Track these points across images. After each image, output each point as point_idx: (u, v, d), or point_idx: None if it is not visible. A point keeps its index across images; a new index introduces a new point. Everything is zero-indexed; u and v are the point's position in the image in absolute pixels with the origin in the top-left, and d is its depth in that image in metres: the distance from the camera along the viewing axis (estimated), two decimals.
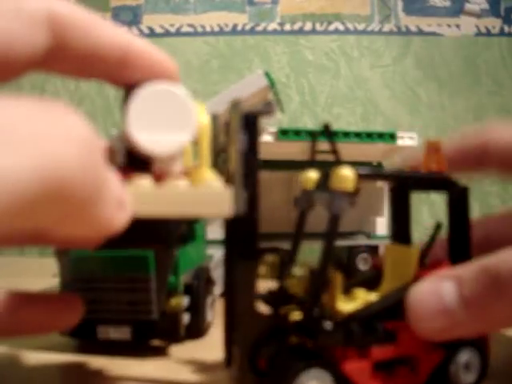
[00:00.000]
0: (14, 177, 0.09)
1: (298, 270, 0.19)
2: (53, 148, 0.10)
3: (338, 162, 0.19)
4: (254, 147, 0.18)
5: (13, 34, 0.13)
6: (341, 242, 0.50)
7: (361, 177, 0.18)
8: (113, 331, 0.25)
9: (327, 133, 0.19)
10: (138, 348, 0.26)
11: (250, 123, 0.18)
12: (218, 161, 0.19)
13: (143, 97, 0.16)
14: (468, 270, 0.18)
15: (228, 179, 0.19)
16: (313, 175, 0.21)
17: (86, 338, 0.26)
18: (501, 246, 0.24)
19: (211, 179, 0.17)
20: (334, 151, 0.19)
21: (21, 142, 0.09)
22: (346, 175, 0.18)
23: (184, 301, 0.27)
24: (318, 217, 0.21)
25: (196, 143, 0.17)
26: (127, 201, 0.14)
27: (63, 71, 0.16)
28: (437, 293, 0.18)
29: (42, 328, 0.19)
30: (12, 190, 0.09)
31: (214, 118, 0.21)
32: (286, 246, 0.23)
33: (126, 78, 0.16)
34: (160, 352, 0.26)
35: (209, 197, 0.16)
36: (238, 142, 0.18)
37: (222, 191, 0.16)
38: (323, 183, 0.20)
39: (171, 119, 0.16)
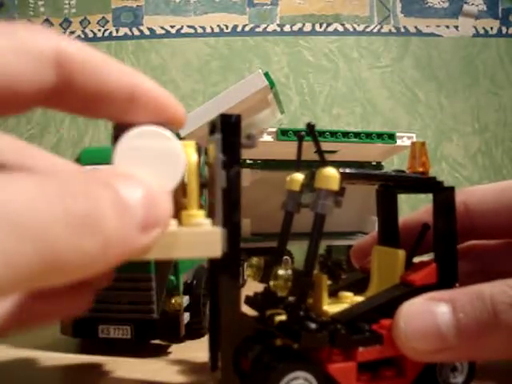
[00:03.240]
0: (15, 258, 0.10)
1: (282, 272, 0.19)
2: (48, 231, 0.11)
3: (323, 162, 0.19)
4: (234, 147, 0.18)
5: (18, 72, 0.13)
6: (340, 242, 0.50)
7: (345, 176, 0.18)
8: (113, 330, 0.26)
9: (311, 133, 0.19)
10: (139, 347, 0.27)
11: (230, 123, 0.18)
12: (203, 194, 0.19)
13: (131, 138, 0.15)
14: (463, 294, 0.18)
15: (210, 213, 0.18)
16: (298, 177, 0.21)
17: (87, 337, 0.27)
18: (480, 216, 0.24)
19: (201, 221, 0.16)
20: (319, 151, 0.19)
21: (22, 229, 0.11)
22: (330, 175, 0.18)
23: (184, 300, 0.27)
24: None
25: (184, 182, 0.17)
26: (160, 216, 0.14)
27: (69, 109, 0.16)
28: (431, 314, 0.18)
29: (52, 317, 0.19)
30: (14, 270, 0.10)
31: (199, 150, 0.20)
32: (288, 246, 0.23)
33: (131, 118, 0.16)
34: (160, 351, 0.27)
35: (200, 240, 0.16)
36: (219, 179, 0.17)
37: (212, 234, 0.16)
38: (309, 184, 0.20)
39: (159, 162, 0.15)
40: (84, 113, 0.16)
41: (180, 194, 0.17)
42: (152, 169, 0.15)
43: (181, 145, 0.16)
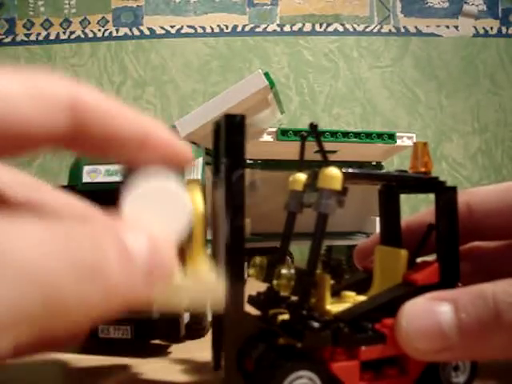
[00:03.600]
0: (17, 306, 0.11)
1: (285, 271, 0.19)
2: (53, 279, 0.11)
3: (326, 162, 0.19)
4: (239, 147, 0.18)
5: (32, 116, 0.14)
6: (340, 242, 0.50)
7: (348, 176, 0.18)
8: (113, 330, 0.26)
9: (314, 133, 0.19)
10: (139, 347, 0.27)
11: (235, 123, 0.18)
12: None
13: (138, 193, 0.16)
14: (465, 293, 0.18)
15: (213, 251, 0.19)
16: (301, 176, 0.21)
17: (87, 337, 0.27)
18: (483, 217, 0.24)
19: (205, 271, 0.17)
20: (322, 151, 0.19)
21: (24, 274, 0.11)
22: (333, 174, 0.18)
23: None
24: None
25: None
26: (165, 267, 0.14)
27: (80, 152, 0.17)
28: (433, 313, 0.18)
29: (45, 350, 0.19)
30: (16, 317, 0.11)
31: (203, 186, 0.20)
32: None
33: (141, 161, 0.17)
34: (160, 351, 0.27)
35: (203, 291, 0.16)
36: (222, 234, 0.18)
37: (216, 286, 0.16)
38: (311, 184, 0.20)
39: (166, 211, 0.16)
40: (94, 155, 0.17)
41: (186, 239, 0.17)
42: (159, 218, 0.15)
43: (187, 193, 0.16)
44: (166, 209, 0.16)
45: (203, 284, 0.16)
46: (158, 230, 0.14)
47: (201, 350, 0.26)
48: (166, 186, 0.16)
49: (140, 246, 0.13)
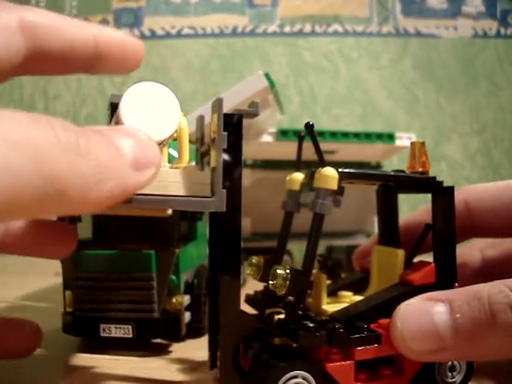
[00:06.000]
0: (17, 171, 0.11)
1: (280, 271, 0.19)
2: (42, 149, 0.12)
3: (322, 162, 0.19)
4: (237, 145, 0.19)
5: None
6: (340, 242, 0.50)
7: (344, 176, 0.19)
8: (115, 329, 0.26)
9: (310, 132, 0.19)
10: (140, 346, 0.27)
11: (232, 122, 0.19)
12: (204, 162, 0.20)
13: (135, 90, 0.17)
14: (461, 294, 0.18)
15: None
16: (298, 176, 0.21)
17: (88, 336, 0.27)
18: (479, 214, 0.24)
19: (190, 165, 0.18)
20: (318, 150, 0.19)
21: (18, 144, 0.11)
22: (329, 174, 0.18)
23: (185, 300, 0.27)
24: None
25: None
26: (150, 159, 0.15)
27: (43, 72, 0.18)
28: (428, 314, 0.18)
29: (43, 252, 0.21)
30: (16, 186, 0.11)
31: (201, 119, 0.21)
32: (288, 245, 0.24)
33: (102, 67, 0.18)
34: (161, 350, 0.27)
35: (188, 178, 0.17)
36: (218, 140, 0.18)
37: (200, 172, 0.18)
38: (308, 183, 0.20)
39: (158, 113, 0.17)
40: (57, 72, 0.18)
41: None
42: (152, 118, 0.17)
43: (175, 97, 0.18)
44: (158, 113, 0.17)
45: (188, 169, 0.17)
46: (143, 133, 0.15)
47: (201, 348, 0.26)
48: (160, 94, 0.18)
49: (126, 144, 0.14)
